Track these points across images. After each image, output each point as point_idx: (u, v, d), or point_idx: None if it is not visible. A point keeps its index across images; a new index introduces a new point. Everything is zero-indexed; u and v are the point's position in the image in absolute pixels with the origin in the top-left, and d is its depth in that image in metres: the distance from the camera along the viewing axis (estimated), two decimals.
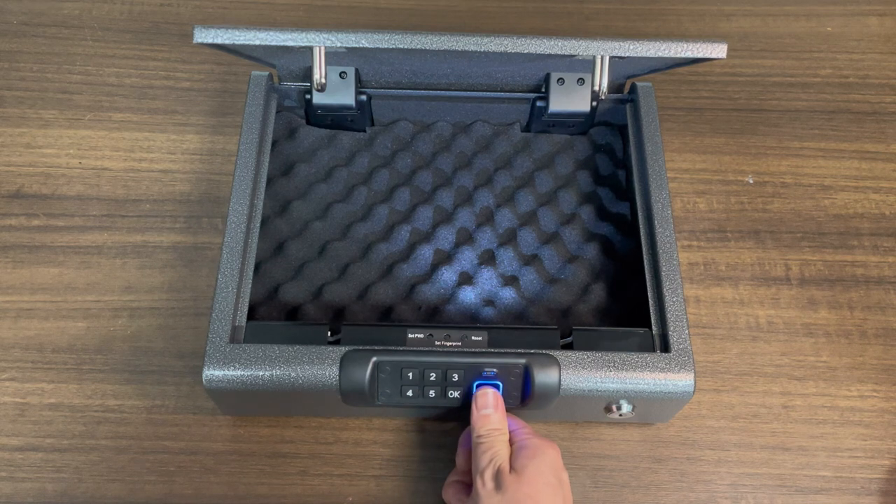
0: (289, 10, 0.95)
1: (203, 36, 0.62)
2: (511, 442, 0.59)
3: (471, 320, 0.68)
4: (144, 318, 0.72)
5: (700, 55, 0.64)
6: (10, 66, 0.88)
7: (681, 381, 0.61)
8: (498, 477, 0.56)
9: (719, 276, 0.77)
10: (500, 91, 0.78)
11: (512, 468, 0.56)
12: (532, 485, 0.55)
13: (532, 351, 0.61)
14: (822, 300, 0.76)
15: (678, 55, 0.63)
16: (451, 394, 0.61)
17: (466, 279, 0.70)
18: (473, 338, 0.63)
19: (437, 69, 0.76)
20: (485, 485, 0.56)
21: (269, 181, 0.74)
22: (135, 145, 0.83)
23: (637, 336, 0.64)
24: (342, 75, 0.75)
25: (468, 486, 0.61)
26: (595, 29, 0.95)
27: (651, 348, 0.63)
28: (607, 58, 0.66)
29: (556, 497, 0.56)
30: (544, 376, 0.60)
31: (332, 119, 0.78)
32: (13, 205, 0.79)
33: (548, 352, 0.61)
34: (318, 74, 0.67)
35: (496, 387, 0.61)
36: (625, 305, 0.69)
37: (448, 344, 0.62)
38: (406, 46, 0.63)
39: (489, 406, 0.60)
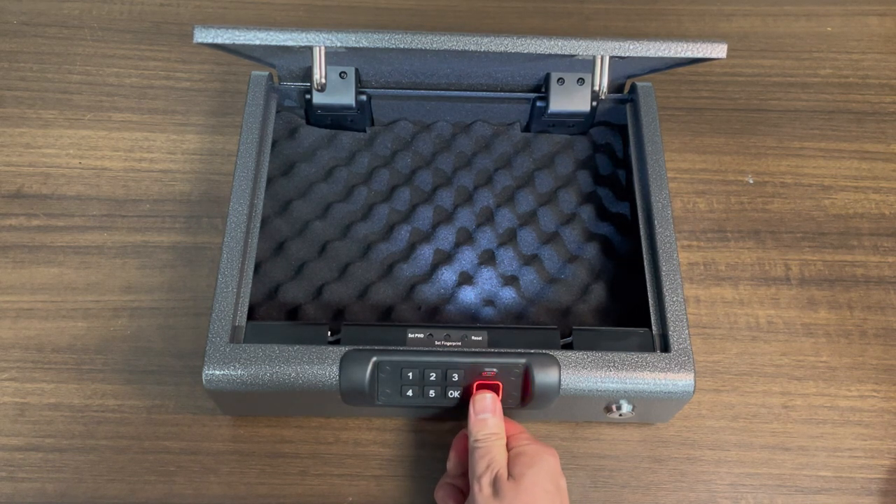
0: (289, 10, 0.95)
1: (203, 36, 0.62)
2: (508, 447, 0.59)
3: (471, 320, 0.68)
4: (144, 318, 0.72)
5: (700, 55, 0.64)
6: (10, 66, 0.88)
7: (681, 381, 0.61)
8: (496, 483, 0.55)
9: (719, 276, 0.77)
10: (500, 91, 0.78)
11: (510, 475, 0.56)
12: (530, 493, 0.55)
13: (532, 351, 0.61)
14: (822, 300, 0.76)
15: (678, 55, 0.63)
16: (451, 394, 0.61)
17: (466, 279, 0.70)
18: (473, 338, 0.62)
19: (437, 69, 0.76)
20: (482, 490, 0.55)
21: (269, 181, 0.74)
22: (135, 145, 0.83)
23: (637, 336, 0.64)
24: (342, 75, 0.75)
25: (459, 489, 0.61)
26: (595, 29, 0.95)
27: (651, 348, 0.63)
28: (607, 58, 0.66)
29: None
30: (544, 376, 0.60)
31: (332, 119, 0.78)
32: (13, 205, 0.79)
33: (548, 352, 0.61)
34: (318, 74, 0.67)
35: (496, 387, 0.61)
36: (625, 305, 0.69)
37: (448, 344, 0.62)
38: (406, 46, 0.63)
39: (487, 410, 0.59)
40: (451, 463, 0.62)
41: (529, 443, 0.59)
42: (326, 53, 0.67)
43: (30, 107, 0.85)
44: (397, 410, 0.67)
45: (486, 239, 0.73)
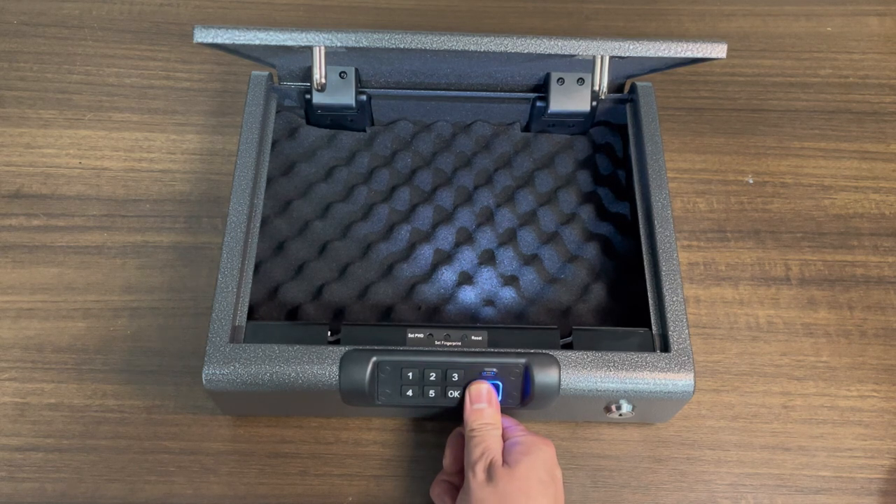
0: (289, 10, 0.95)
1: (203, 36, 0.62)
2: (504, 438, 0.59)
3: (471, 320, 0.68)
4: (144, 318, 0.72)
5: (700, 55, 0.64)
6: (10, 66, 0.88)
7: (681, 380, 0.61)
8: (490, 469, 0.56)
9: (719, 276, 0.77)
10: (500, 91, 0.78)
11: (505, 462, 0.56)
12: (524, 480, 0.55)
13: (532, 351, 0.61)
14: (822, 300, 0.76)
15: (678, 55, 0.64)
16: (451, 394, 0.61)
17: (466, 279, 0.70)
18: (473, 338, 0.63)
19: (437, 69, 0.76)
20: (476, 476, 0.56)
21: (269, 181, 0.74)
22: (135, 145, 0.83)
23: (637, 336, 0.64)
24: (342, 75, 0.75)
25: (455, 486, 0.61)
26: (595, 29, 0.95)
27: (651, 348, 0.63)
28: (607, 58, 0.66)
29: (548, 494, 0.55)
30: (544, 376, 0.60)
31: (332, 119, 0.78)
32: (13, 205, 0.79)
33: (548, 352, 0.61)
34: (318, 74, 0.67)
35: (496, 387, 0.61)
36: (625, 305, 0.69)
37: (448, 344, 0.62)
38: (406, 46, 0.63)
39: (482, 400, 0.60)
40: (448, 460, 0.62)
41: (525, 434, 0.59)
42: (326, 53, 0.67)
43: (30, 107, 0.85)
44: (397, 410, 0.67)
45: (486, 239, 0.73)
